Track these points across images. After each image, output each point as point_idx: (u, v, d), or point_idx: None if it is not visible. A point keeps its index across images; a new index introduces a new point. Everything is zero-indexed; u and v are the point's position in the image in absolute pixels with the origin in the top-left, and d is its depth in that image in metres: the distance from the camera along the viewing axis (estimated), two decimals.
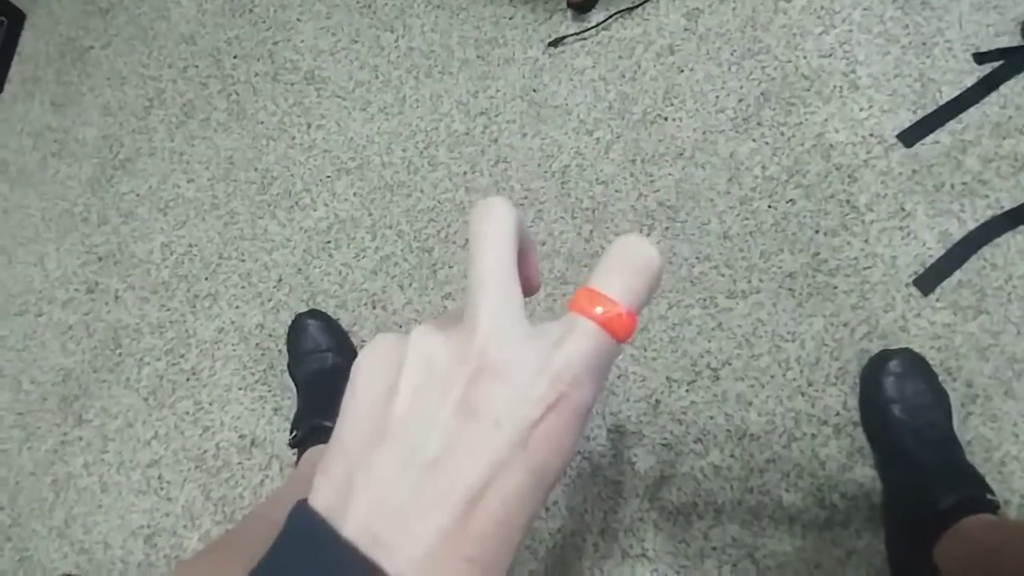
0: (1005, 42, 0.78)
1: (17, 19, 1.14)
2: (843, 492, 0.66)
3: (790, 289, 0.74)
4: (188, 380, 0.85)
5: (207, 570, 0.48)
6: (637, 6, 0.89)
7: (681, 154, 0.82)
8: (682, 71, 0.86)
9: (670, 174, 0.82)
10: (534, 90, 0.90)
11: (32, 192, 1.02)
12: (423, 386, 0.16)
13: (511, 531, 0.15)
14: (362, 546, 0.14)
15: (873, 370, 0.67)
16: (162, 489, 0.81)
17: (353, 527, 0.14)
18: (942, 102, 0.77)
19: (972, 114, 0.76)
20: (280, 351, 0.84)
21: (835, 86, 0.81)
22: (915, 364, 0.66)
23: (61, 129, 1.05)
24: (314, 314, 0.81)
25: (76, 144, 1.03)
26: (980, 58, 0.78)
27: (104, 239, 0.96)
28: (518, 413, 0.15)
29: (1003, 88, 0.76)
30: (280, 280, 0.88)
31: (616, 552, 0.68)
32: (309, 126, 0.96)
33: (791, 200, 0.77)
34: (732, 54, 0.85)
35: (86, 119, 1.04)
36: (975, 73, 0.78)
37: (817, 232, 0.75)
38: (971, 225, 0.72)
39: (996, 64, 0.77)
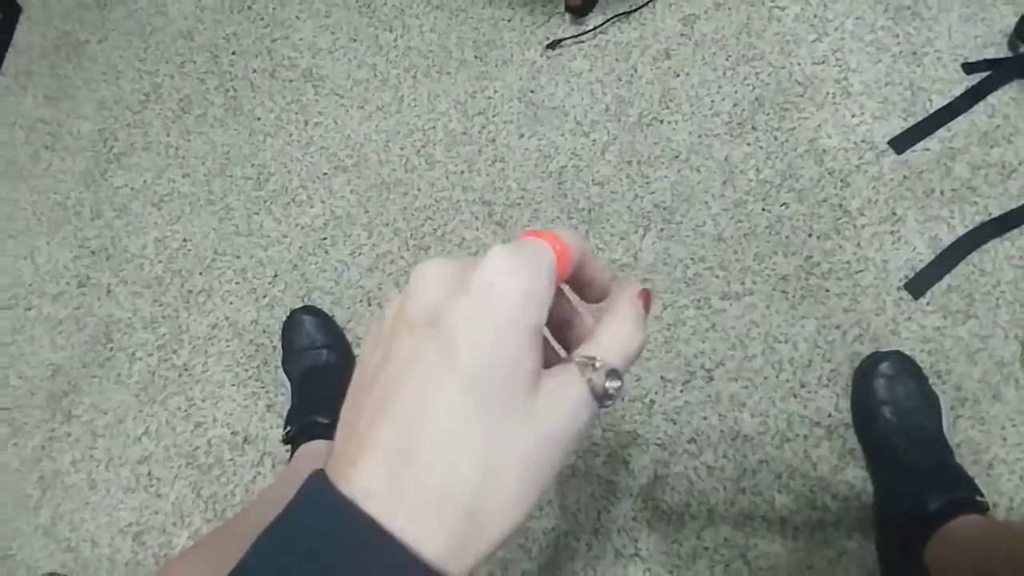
0: (992, 53, 0.80)
1: (12, 12, 1.13)
2: (834, 493, 0.67)
3: (783, 291, 0.75)
4: (180, 376, 0.85)
5: (196, 568, 0.48)
6: (634, 10, 0.90)
7: (676, 157, 0.83)
8: (678, 75, 0.87)
9: (665, 176, 0.82)
10: (531, 91, 0.90)
11: (24, 185, 1.01)
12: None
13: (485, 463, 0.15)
14: (360, 501, 0.14)
15: (864, 372, 0.67)
16: (152, 486, 0.80)
17: (356, 485, 0.15)
18: (932, 110, 0.79)
19: (961, 122, 0.78)
20: (274, 347, 0.83)
21: (828, 93, 0.82)
22: (906, 367, 0.67)
23: (55, 122, 1.04)
24: (309, 310, 0.80)
25: (70, 137, 1.03)
26: (968, 68, 0.80)
27: (97, 233, 0.95)
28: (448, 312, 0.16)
29: (991, 98, 0.78)
30: (275, 276, 0.88)
31: (609, 552, 0.68)
32: (306, 123, 0.96)
33: (784, 204, 0.78)
34: (727, 59, 0.86)
35: (80, 113, 1.04)
36: (964, 82, 0.79)
37: (810, 236, 0.76)
38: (960, 231, 0.73)
39: (984, 74, 0.79)
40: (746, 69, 0.85)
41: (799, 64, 0.84)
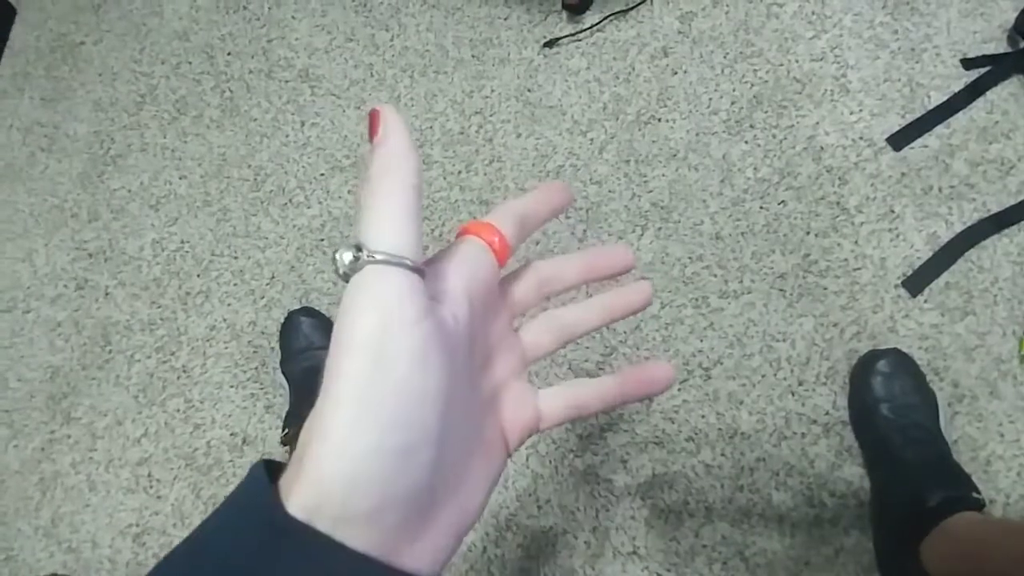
0: (992, 48, 0.80)
1: (7, 13, 1.13)
2: (832, 491, 0.67)
3: (781, 290, 0.75)
4: (179, 378, 0.85)
5: None
6: (631, 8, 0.90)
7: (674, 155, 0.83)
8: (676, 73, 0.86)
9: (663, 175, 0.82)
10: (529, 90, 0.90)
11: (21, 188, 1.01)
12: None
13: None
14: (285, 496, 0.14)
15: (862, 370, 0.68)
16: (151, 487, 0.80)
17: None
18: (930, 107, 0.78)
19: (960, 119, 0.77)
20: (272, 348, 0.83)
21: (826, 90, 0.82)
22: (903, 364, 0.67)
23: (51, 124, 1.04)
24: (307, 311, 0.80)
25: (66, 139, 1.02)
26: (967, 64, 0.79)
27: (94, 235, 0.95)
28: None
29: (990, 94, 0.78)
30: (273, 277, 0.88)
31: (608, 550, 0.69)
32: (303, 124, 0.95)
33: (782, 202, 0.78)
34: (725, 57, 0.86)
35: (77, 115, 1.03)
36: (963, 78, 0.79)
37: (808, 233, 0.76)
38: (958, 228, 0.73)
39: (983, 70, 0.79)
40: (744, 66, 0.85)
41: (797, 61, 0.84)
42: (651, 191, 0.82)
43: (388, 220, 0.16)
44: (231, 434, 0.81)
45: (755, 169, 0.80)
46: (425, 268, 0.16)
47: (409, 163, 0.16)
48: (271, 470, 0.16)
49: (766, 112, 0.82)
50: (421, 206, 0.17)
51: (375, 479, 0.14)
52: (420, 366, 0.15)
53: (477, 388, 0.18)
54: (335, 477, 0.14)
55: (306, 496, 0.14)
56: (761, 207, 0.78)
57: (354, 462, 0.14)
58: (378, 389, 0.14)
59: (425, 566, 0.16)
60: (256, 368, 0.83)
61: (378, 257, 0.15)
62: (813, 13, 0.85)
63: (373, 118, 0.17)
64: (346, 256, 0.15)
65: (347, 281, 0.15)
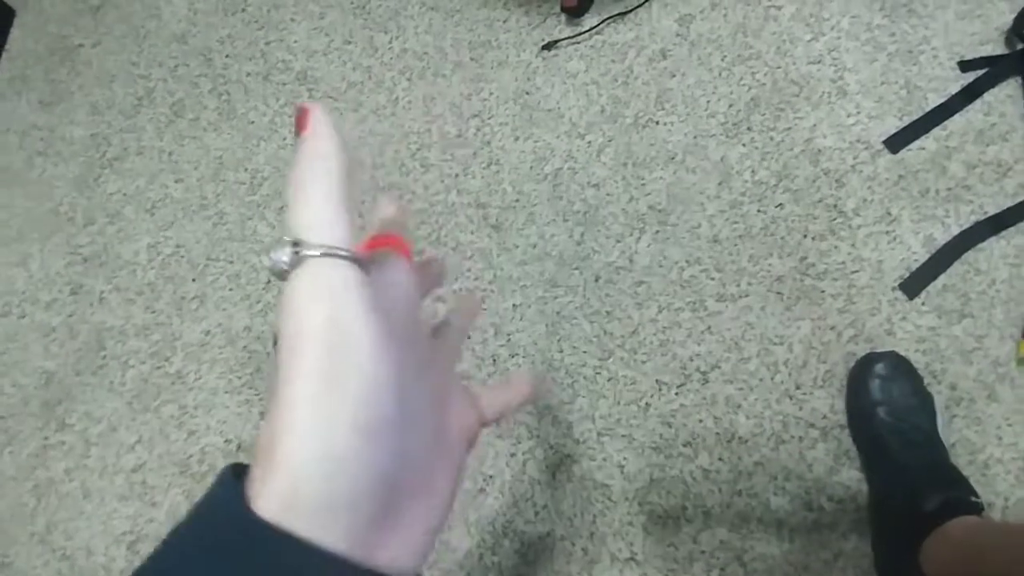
0: (989, 50, 0.80)
1: (6, 16, 1.12)
2: (830, 495, 0.67)
3: (778, 293, 0.74)
4: (173, 384, 0.84)
5: None
6: (630, 11, 0.90)
7: (672, 158, 0.83)
8: (674, 76, 0.86)
9: (661, 178, 0.82)
10: (527, 93, 0.90)
11: (17, 191, 1.00)
12: None
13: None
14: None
15: (859, 373, 0.67)
16: (146, 494, 0.80)
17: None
18: (928, 109, 0.78)
19: (957, 121, 0.77)
20: (268, 354, 0.83)
21: (823, 92, 0.82)
22: (901, 367, 0.66)
23: (48, 128, 1.04)
24: None
25: (63, 143, 1.02)
26: (965, 66, 0.79)
27: (90, 240, 0.95)
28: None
29: (987, 96, 0.78)
30: (269, 282, 0.87)
31: (605, 556, 0.68)
32: None
33: (780, 204, 0.78)
34: (723, 60, 0.86)
35: (74, 118, 1.03)
36: (960, 81, 0.79)
37: (805, 236, 0.76)
38: (955, 230, 0.73)
39: (980, 72, 0.79)
40: (742, 69, 0.85)
41: (795, 64, 0.84)
42: (649, 194, 0.82)
43: (322, 212, 0.16)
44: (225, 441, 0.80)
45: (753, 172, 0.80)
46: (367, 268, 0.16)
47: (337, 154, 0.16)
48: (239, 473, 0.15)
49: (764, 115, 0.82)
50: (352, 197, 0.16)
51: (346, 466, 0.14)
52: (375, 354, 0.15)
53: (425, 381, 0.18)
54: (307, 466, 0.14)
55: (279, 491, 0.14)
56: (759, 210, 0.78)
57: (324, 450, 0.14)
58: (338, 378, 0.14)
59: (404, 565, 0.16)
60: (251, 374, 0.83)
61: (318, 252, 0.15)
62: (811, 16, 0.85)
63: (302, 115, 0.17)
64: (283, 254, 0.15)
65: (284, 279, 0.15)
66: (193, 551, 0.14)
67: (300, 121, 0.17)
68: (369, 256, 0.18)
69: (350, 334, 0.15)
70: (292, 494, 0.14)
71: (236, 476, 0.15)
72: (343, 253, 0.15)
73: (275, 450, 0.14)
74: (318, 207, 0.16)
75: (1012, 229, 0.72)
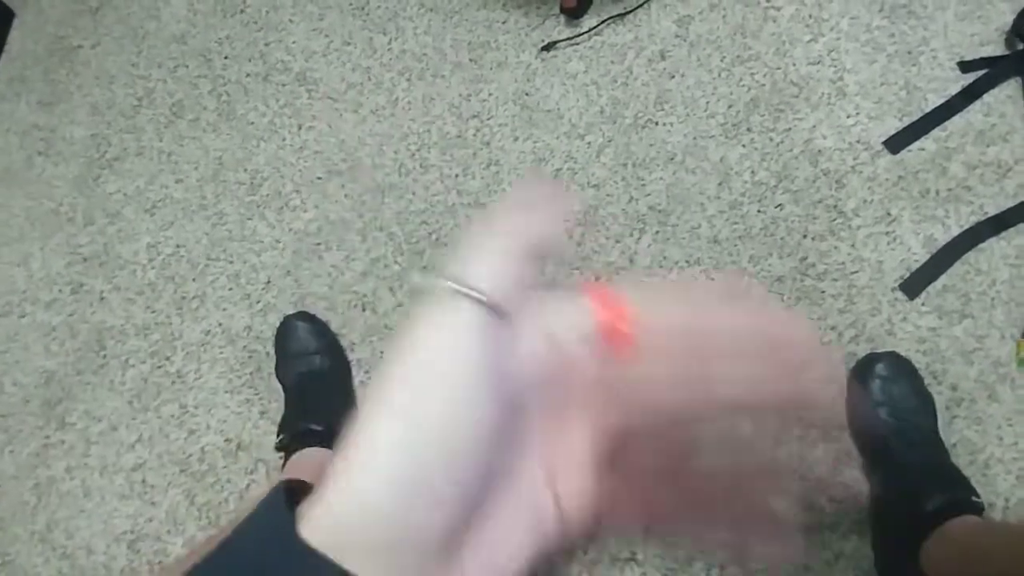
0: (989, 51, 0.80)
1: (5, 17, 1.13)
2: (831, 495, 0.67)
3: (779, 293, 0.74)
4: (173, 383, 0.84)
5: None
6: (629, 12, 0.90)
7: (672, 159, 0.83)
8: (673, 77, 0.86)
9: (661, 178, 0.82)
10: (526, 94, 0.90)
11: (17, 191, 1.01)
12: None
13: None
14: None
15: (860, 373, 0.67)
16: (146, 493, 0.80)
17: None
18: (927, 110, 0.78)
19: (957, 122, 0.77)
20: (268, 354, 0.83)
21: (823, 93, 0.82)
22: (901, 367, 0.66)
23: (48, 128, 1.04)
24: (303, 316, 0.80)
25: (63, 143, 1.02)
26: (965, 67, 0.79)
27: (90, 239, 0.95)
28: None
29: (987, 96, 0.78)
30: (269, 282, 0.88)
31: (605, 556, 0.68)
32: (300, 127, 0.95)
33: (780, 205, 0.78)
34: (722, 60, 0.86)
35: (74, 118, 1.03)
36: (960, 81, 0.79)
37: (805, 237, 0.76)
38: (956, 231, 0.73)
39: (980, 73, 0.79)
40: (741, 70, 0.85)
41: (794, 65, 0.84)
42: (649, 194, 0.82)
43: (486, 258, 0.15)
44: (225, 440, 0.80)
45: (752, 172, 0.80)
46: (512, 313, 0.15)
47: (542, 232, 0.16)
48: (292, 491, 0.15)
49: (763, 116, 0.82)
50: (536, 265, 0.15)
51: (396, 509, 0.14)
52: (467, 397, 0.14)
53: (521, 448, 0.17)
54: (355, 500, 0.14)
55: (322, 520, 0.14)
56: (759, 210, 0.78)
57: (397, 489, 0.14)
58: (420, 410, 0.14)
59: None
60: (251, 373, 0.83)
61: (456, 285, 0.15)
62: (810, 17, 0.85)
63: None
64: (427, 278, 0.15)
65: (415, 298, 0.15)
66: (238, 564, 0.14)
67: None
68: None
69: (446, 369, 0.14)
70: (330, 531, 0.13)
71: (289, 494, 0.15)
72: (482, 297, 0.15)
73: (332, 474, 0.14)
74: (487, 252, 0.15)
75: (1012, 230, 0.72)
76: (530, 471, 0.17)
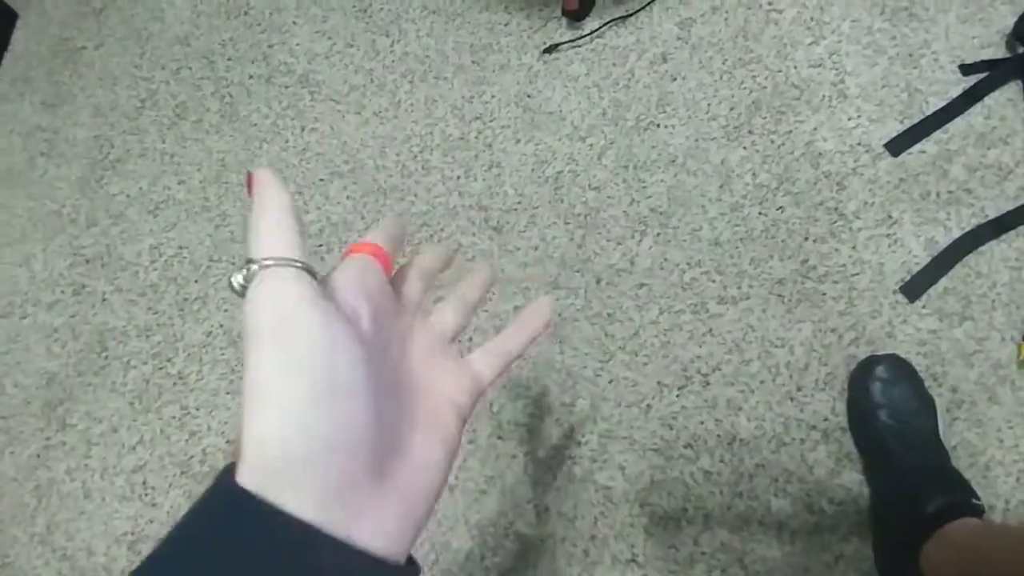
0: (990, 54, 0.80)
1: (9, 18, 1.13)
2: (831, 497, 0.67)
3: (779, 295, 0.75)
4: (175, 384, 0.84)
5: None
6: (631, 15, 0.90)
7: (673, 161, 0.83)
8: (675, 79, 0.87)
9: (662, 180, 0.82)
10: (528, 96, 0.90)
11: (20, 192, 1.01)
12: None
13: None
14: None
15: (860, 375, 0.67)
16: (147, 495, 0.80)
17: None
18: (928, 112, 0.78)
19: (958, 124, 0.78)
20: None
21: (824, 96, 0.82)
22: (902, 370, 0.66)
23: (51, 129, 1.04)
24: None
25: (66, 144, 1.03)
26: (966, 69, 0.80)
27: (92, 241, 0.95)
28: None
29: (988, 99, 0.78)
30: None
31: (606, 558, 0.68)
32: (303, 129, 0.96)
33: (781, 207, 0.78)
34: (724, 63, 0.86)
35: (77, 119, 1.04)
36: (961, 84, 0.79)
37: (806, 239, 0.76)
38: (956, 233, 0.73)
39: (981, 75, 0.79)
40: (743, 72, 0.85)
41: (796, 67, 0.84)
42: (650, 197, 0.82)
43: (271, 233, 0.18)
44: (227, 441, 0.80)
45: (754, 175, 0.80)
46: (317, 273, 0.18)
47: (281, 194, 0.19)
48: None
49: (765, 118, 0.82)
50: (302, 225, 0.19)
51: (309, 425, 0.15)
52: (325, 331, 0.16)
53: (400, 370, 0.20)
54: (268, 437, 0.15)
55: (251, 463, 0.15)
56: (760, 213, 0.78)
57: (281, 420, 0.15)
58: (290, 359, 0.16)
59: (386, 544, 0.16)
60: None
61: (268, 263, 0.17)
62: (812, 19, 0.86)
63: (248, 180, 0.20)
64: (239, 274, 0.17)
65: (244, 295, 0.17)
66: (189, 520, 0.16)
67: (249, 184, 0.19)
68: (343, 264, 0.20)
69: (297, 319, 0.16)
70: (260, 465, 0.15)
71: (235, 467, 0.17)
72: (293, 263, 0.17)
73: (244, 429, 0.16)
74: (266, 229, 0.18)
75: (1013, 232, 0.72)
76: (416, 389, 0.20)
